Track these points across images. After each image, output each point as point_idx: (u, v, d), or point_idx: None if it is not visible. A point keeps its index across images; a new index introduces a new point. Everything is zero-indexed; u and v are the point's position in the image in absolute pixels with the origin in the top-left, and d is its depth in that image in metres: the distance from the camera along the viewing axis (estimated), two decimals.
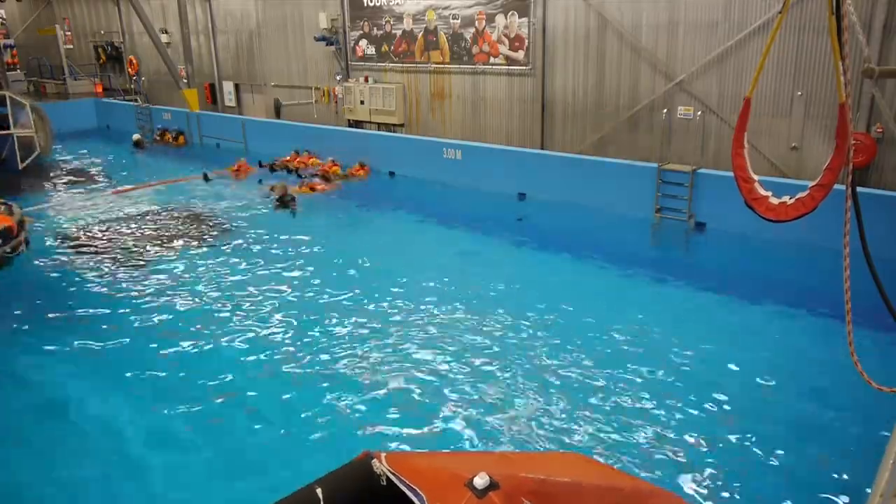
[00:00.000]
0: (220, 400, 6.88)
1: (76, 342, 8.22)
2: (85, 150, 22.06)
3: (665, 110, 13.18)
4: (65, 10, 30.56)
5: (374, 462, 2.02)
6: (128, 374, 7.45)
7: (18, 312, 9.19)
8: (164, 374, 7.48)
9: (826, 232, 6.99)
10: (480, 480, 1.90)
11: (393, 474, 1.96)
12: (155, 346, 8.10)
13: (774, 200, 4.73)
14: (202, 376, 7.31)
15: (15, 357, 8.00)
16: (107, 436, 6.39)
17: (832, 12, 3.73)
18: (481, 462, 2.48)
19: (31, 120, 18.16)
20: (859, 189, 4.06)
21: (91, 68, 29.86)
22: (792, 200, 4.61)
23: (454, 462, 2.37)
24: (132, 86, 27.77)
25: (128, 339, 8.29)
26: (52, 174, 18.53)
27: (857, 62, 10.04)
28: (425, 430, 6.28)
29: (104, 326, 8.66)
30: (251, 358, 7.72)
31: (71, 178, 18.19)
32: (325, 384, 7.10)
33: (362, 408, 6.67)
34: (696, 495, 5.36)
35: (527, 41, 15.40)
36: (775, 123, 12.29)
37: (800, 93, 11.88)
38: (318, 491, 1.90)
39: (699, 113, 12.78)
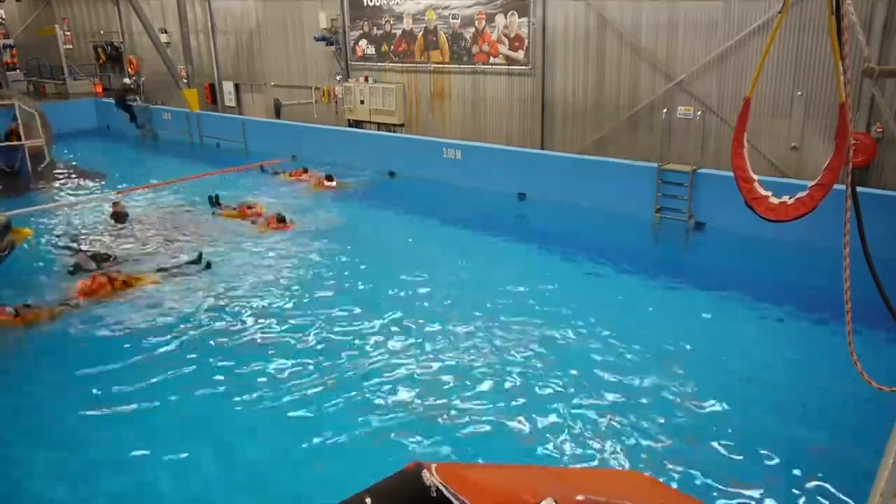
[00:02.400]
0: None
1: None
2: (85, 150, 22.06)
3: (665, 110, 13.18)
4: (64, 10, 30.53)
5: (425, 473, 1.96)
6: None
7: None
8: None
9: (826, 232, 6.98)
10: None
11: (444, 486, 1.91)
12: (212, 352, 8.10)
13: (774, 200, 4.72)
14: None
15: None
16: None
17: (832, 12, 3.72)
18: (538, 478, 2.39)
19: (39, 128, 18.17)
20: (859, 189, 4.06)
21: (91, 68, 29.85)
22: (792, 200, 4.61)
23: (510, 478, 2.29)
24: (132, 86, 27.74)
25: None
26: (51, 174, 18.52)
27: (857, 62, 10.04)
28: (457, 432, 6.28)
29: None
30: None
31: (70, 178, 18.18)
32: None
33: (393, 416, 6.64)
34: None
35: (527, 41, 15.40)
36: (775, 123, 12.29)
37: (800, 93, 11.88)
38: (367, 501, 1.87)
39: (699, 113, 12.78)
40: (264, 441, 6.26)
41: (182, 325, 8.49)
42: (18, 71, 31.09)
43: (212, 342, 8.07)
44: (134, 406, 6.76)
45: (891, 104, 10.88)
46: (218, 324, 8.56)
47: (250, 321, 8.62)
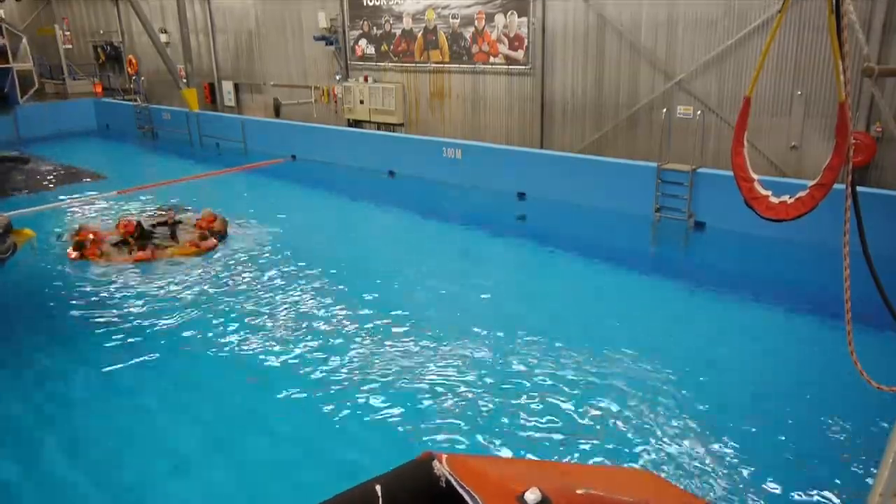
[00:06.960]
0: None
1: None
2: (85, 150, 22.05)
3: (664, 109, 13.18)
4: (64, 10, 30.53)
5: (436, 463, 1.99)
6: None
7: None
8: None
9: (825, 231, 6.98)
10: (532, 496, 1.84)
11: (453, 477, 1.93)
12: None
13: (774, 199, 4.71)
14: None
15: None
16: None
17: (832, 11, 3.72)
18: (539, 472, 2.41)
19: (28, 53, 18.23)
20: (859, 188, 4.06)
21: (90, 68, 29.84)
22: (792, 200, 4.59)
23: (512, 470, 2.31)
24: (132, 86, 27.76)
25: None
26: (52, 174, 18.52)
27: (857, 61, 10.04)
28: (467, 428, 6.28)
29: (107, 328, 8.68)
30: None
31: (71, 178, 18.17)
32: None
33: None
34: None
35: (526, 40, 15.39)
36: (775, 122, 12.28)
37: (799, 92, 11.88)
38: (378, 488, 1.89)
39: (699, 112, 12.78)
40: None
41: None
42: None
43: None
44: None
45: (890, 103, 10.87)
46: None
47: None
